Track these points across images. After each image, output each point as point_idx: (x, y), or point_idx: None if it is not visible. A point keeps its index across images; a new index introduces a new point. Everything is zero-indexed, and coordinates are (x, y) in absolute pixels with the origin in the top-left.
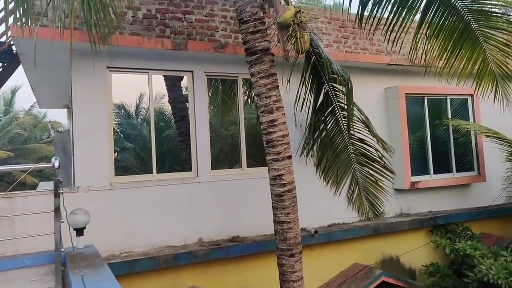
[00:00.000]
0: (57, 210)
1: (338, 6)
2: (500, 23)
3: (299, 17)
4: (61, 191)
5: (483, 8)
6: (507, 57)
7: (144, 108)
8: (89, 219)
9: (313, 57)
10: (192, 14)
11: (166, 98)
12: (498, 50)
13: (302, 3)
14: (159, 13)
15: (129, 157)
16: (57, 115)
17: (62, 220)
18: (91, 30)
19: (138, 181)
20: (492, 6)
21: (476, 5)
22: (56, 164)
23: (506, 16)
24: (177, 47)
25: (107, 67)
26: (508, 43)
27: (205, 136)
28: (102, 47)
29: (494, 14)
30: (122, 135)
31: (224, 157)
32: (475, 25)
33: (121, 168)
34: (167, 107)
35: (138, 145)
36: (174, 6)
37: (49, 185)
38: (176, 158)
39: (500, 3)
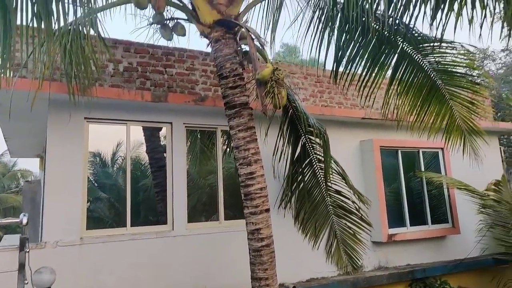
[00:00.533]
0: (21, 269)
1: (314, 61)
2: (464, 83)
3: (277, 74)
4: (27, 250)
5: (448, 69)
6: (472, 114)
7: (121, 157)
8: (55, 278)
9: (291, 110)
10: (173, 67)
11: (144, 147)
12: (463, 107)
13: (279, 61)
14: (140, 66)
15: (103, 207)
16: (28, 164)
17: (26, 282)
18: (70, 82)
19: (110, 235)
20: (456, 68)
21: (440, 66)
22: (24, 221)
23: (468, 76)
24: (157, 99)
25: (85, 118)
26: (472, 101)
27: (182, 188)
28: (81, 98)
29: (457, 74)
30: (96, 184)
31: (201, 207)
32: (441, 83)
33: (94, 220)
34: (144, 156)
35: (113, 195)
36: (155, 59)
37: (14, 238)
38: (151, 209)
39: (462, 64)
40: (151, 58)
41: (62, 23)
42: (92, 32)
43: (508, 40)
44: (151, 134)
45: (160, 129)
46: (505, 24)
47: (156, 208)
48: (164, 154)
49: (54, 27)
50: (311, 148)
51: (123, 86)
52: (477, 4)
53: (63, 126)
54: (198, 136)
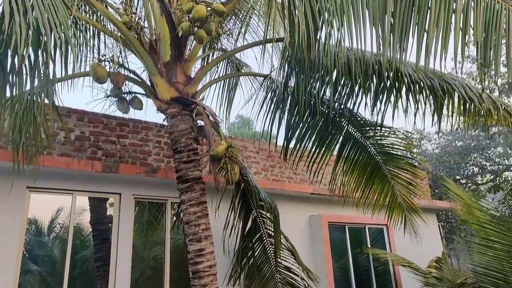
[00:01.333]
0: None
1: (267, 135)
2: (403, 164)
3: (230, 151)
4: None
5: (388, 151)
6: (411, 193)
7: (60, 224)
8: None
9: (243, 184)
10: (127, 138)
11: (86, 213)
12: (403, 186)
13: (233, 134)
14: (92, 136)
15: (32, 282)
16: None
17: None
18: (17, 150)
19: None
20: (395, 150)
21: (382, 148)
22: None
23: (406, 158)
24: (107, 170)
25: (27, 187)
26: (411, 181)
27: (127, 262)
28: (26, 166)
29: (397, 156)
30: (27, 255)
31: (144, 281)
32: (383, 163)
33: None
34: (86, 224)
35: (46, 268)
36: (109, 129)
37: None
38: (89, 285)
39: (401, 147)
40: (105, 128)
41: (17, 92)
42: (46, 101)
43: (439, 127)
44: (97, 204)
45: (107, 198)
46: (435, 115)
47: (95, 284)
48: (110, 225)
49: (7, 95)
50: (262, 223)
51: (73, 155)
52: (410, 98)
53: (2, 195)
54: (147, 206)
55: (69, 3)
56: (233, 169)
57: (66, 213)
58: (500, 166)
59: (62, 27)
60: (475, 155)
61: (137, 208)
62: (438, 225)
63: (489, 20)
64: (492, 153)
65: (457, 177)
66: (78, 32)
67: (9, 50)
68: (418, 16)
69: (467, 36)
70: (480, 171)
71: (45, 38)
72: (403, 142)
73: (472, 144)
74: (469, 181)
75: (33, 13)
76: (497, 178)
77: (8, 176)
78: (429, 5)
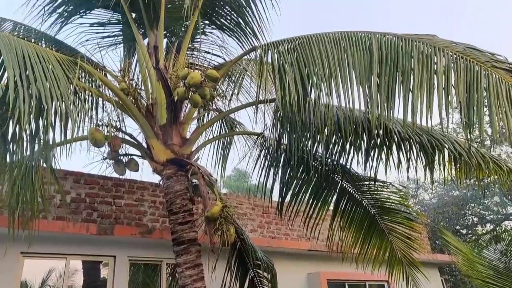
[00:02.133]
0: None
1: (261, 189)
2: (399, 218)
3: (226, 211)
4: None
5: (384, 205)
6: (410, 248)
7: (50, 286)
8: None
9: (239, 243)
10: (122, 198)
11: (78, 274)
12: (401, 241)
13: (229, 190)
14: (88, 197)
15: None
16: None
17: None
18: (12, 215)
19: None
20: (391, 204)
21: (377, 203)
22: None
23: (403, 212)
24: (102, 232)
25: (21, 253)
26: (409, 236)
27: None
28: (21, 231)
29: (393, 210)
30: None
31: None
32: (379, 218)
33: None
34: (78, 286)
35: None
36: (105, 190)
37: None
38: None
39: (396, 202)
40: (101, 189)
41: (16, 159)
42: (44, 165)
43: (432, 180)
44: (91, 267)
45: (101, 261)
46: (427, 169)
47: None
48: None
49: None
50: (259, 283)
51: (68, 218)
52: (401, 155)
53: None
54: (141, 267)
55: (70, 74)
56: (228, 230)
57: (58, 273)
58: (499, 216)
59: (63, 98)
60: (473, 205)
61: (132, 268)
62: (441, 279)
63: (470, 81)
64: (489, 202)
65: (457, 227)
66: (77, 99)
67: (11, 121)
68: (402, 77)
69: (450, 96)
70: (480, 220)
71: (47, 108)
72: (398, 196)
73: (469, 194)
74: (469, 232)
75: (36, 85)
76: (497, 228)
77: (1, 241)
78: (412, 67)
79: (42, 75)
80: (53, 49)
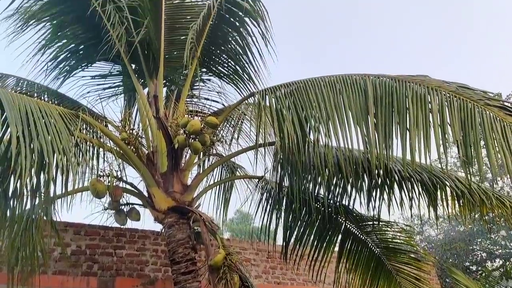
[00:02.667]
0: None
1: (264, 233)
2: (406, 259)
3: (229, 259)
4: None
5: (389, 246)
6: None
7: None
8: None
9: None
10: (123, 249)
11: None
12: (410, 282)
13: (229, 239)
14: (89, 249)
15: None
16: None
17: None
18: (12, 272)
19: None
20: (396, 244)
21: (383, 243)
22: None
23: (408, 253)
24: (103, 286)
25: None
26: (417, 277)
27: None
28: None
29: (399, 251)
30: None
31: None
32: (386, 259)
33: None
34: None
35: None
36: (106, 241)
37: None
38: None
39: (401, 241)
40: (102, 240)
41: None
42: (45, 218)
43: (436, 218)
44: None
45: None
46: (430, 207)
47: None
48: None
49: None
50: None
51: (68, 272)
52: (403, 194)
53: None
54: None
55: (71, 126)
56: (232, 279)
57: None
58: (507, 250)
59: (65, 151)
60: (480, 240)
61: None
62: None
63: (465, 118)
64: (496, 236)
65: (466, 263)
66: (78, 151)
67: (12, 177)
68: (398, 116)
69: (446, 134)
70: (489, 256)
71: (48, 162)
72: (403, 235)
73: (475, 229)
74: (479, 268)
75: (38, 139)
76: (506, 264)
77: None
78: (407, 106)
79: (44, 129)
80: (56, 102)
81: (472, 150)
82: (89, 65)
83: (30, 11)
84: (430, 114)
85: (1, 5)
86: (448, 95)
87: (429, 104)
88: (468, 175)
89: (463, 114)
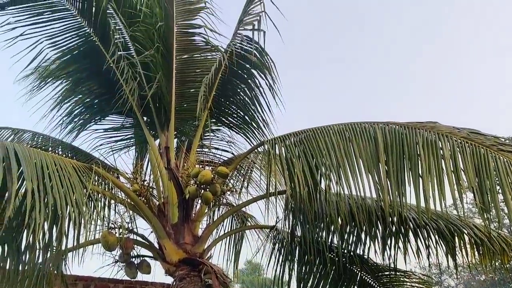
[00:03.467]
0: None
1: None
2: None
3: None
4: None
5: None
6: None
7: None
8: None
9: None
10: None
11: None
12: None
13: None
14: None
15: None
16: None
17: None
18: None
19: None
20: None
21: None
22: None
23: None
24: None
25: None
26: None
27: None
28: None
29: None
30: None
31: None
32: None
33: None
34: None
35: None
36: None
37: None
38: None
39: None
40: None
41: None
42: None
43: (456, 268)
44: None
45: None
46: (448, 256)
47: None
48: None
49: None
50: None
51: None
52: (419, 243)
53: None
54: None
55: (84, 179)
56: None
57: None
58: None
59: (78, 204)
60: None
61: None
62: None
63: (478, 164)
64: None
65: None
66: (91, 203)
67: (25, 231)
68: (410, 163)
69: (460, 180)
70: None
71: (62, 216)
72: (421, 286)
73: (496, 278)
74: None
75: (52, 192)
76: None
77: None
78: (418, 153)
79: (58, 183)
80: (69, 155)
81: (489, 196)
82: (102, 118)
83: (48, 70)
84: (442, 160)
85: (21, 64)
86: (460, 141)
87: (441, 151)
88: (487, 222)
89: (477, 160)
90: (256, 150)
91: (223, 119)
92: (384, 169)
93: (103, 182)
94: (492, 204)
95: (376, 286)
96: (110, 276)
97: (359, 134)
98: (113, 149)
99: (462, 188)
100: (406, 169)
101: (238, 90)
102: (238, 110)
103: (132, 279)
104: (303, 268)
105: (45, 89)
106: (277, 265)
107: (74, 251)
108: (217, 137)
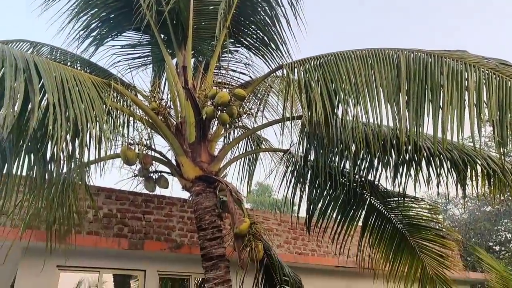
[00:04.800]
0: None
1: (287, 206)
2: (430, 236)
3: (254, 228)
4: None
5: (413, 222)
6: (443, 266)
7: None
8: None
9: (266, 259)
10: (152, 214)
11: (106, 286)
12: (433, 259)
13: (253, 209)
14: (119, 213)
15: None
16: None
17: None
18: (50, 230)
19: None
20: (421, 221)
21: (406, 220)
22: None
23: (434, 230)
24: (133, 247)
25: (57, 266)
26: (441, 253)
27: None
28: (57, 246)
29: (423, 228)
30: None
31: None
32: (409, 236)
33: None
34: None
35: None
36: (135, 206)
37: None
38: None
39: (426, 218)
40: (131, 205)
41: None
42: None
43: (464, 198)
44: (123, 281)
45: (131, 276)
46: (458, 185)
47: None
48: None
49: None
50: None
51: (101, 233)
52: (431, 171)
53: (33, 275)
54: (170, 281)
55: (103, 95)
56: (257, 247)
57: (86, 285)
58: None
59: (97, 119)
60: (506, 221)
61: (161, 282)
62: None
63: (503, 98)
64: None
65: (490, 243)
66: (110, 119)
67: (49, 142)
68: (432, 94)
69: (482, 114)
70: None
71: (82, 132)
72: (429, 211)
73: (502, 210)
74: (502, 248)
75: (73, 107)
76: None
77: (39, 256)
78: (442, 84)
79: (78, 97)
80: (88, 71)
81: (508, 130)
82: (119, 34)
83: None
84: (466, 92)
85: None
86: (487, 72)
87: (466, 81)
88: (502, 155)
89: (502, 93)
90: (274, 74)
91: (242, 39)
92: (404, 99)
93: (121, 99)
94: (511, 137)
95: (384, 210)
96: (130, 189)
97: (382, 61)
98: (130, 66)
99: (482, 121)
100: (427, 100)
101: (259, 9)
102: (258, 31)
103: (151, 192)
104: (314, 191)
105: (60, 0)
106: (288, 187)
107: (96, 164)
108: (235, 58)
